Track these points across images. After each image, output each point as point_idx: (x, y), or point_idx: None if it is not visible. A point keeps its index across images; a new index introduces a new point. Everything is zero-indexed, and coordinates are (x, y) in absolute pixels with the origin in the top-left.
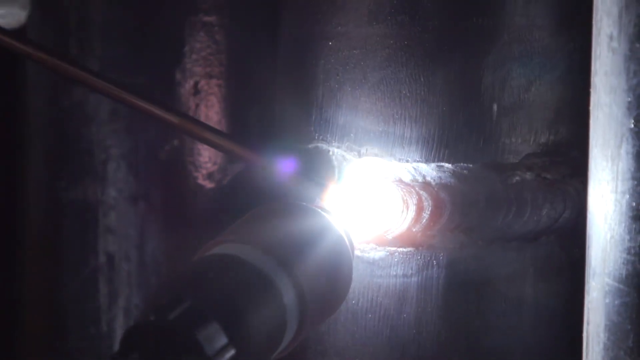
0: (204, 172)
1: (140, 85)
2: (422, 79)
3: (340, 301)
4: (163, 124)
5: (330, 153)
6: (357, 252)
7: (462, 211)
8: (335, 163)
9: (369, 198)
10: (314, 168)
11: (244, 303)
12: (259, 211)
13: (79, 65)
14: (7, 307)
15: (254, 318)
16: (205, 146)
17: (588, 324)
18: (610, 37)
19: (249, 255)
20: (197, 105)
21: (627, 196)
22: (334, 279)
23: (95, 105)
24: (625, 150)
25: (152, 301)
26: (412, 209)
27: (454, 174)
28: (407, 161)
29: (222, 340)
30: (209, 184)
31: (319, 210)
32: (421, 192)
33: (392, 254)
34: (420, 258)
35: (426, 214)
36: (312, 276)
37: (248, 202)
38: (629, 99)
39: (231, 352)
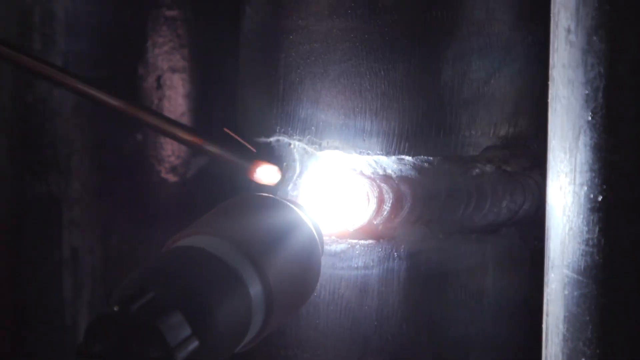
0: (167, 165)
1: (104, 78)
2: (382, 73)
3: (308, 296)
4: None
5: (292, 146)
6: None
7: (423, 203)
8: (297, 156)
9: (330, 191)
10: (279, 162)
11: (208, 295)
12: (228, 204)
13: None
14: None
15: (219, 310)
16: (169, 140)
17: (547, 315)
18: (568, 30)
19: (215, 247)
20: (160, 100)
21: (585, 188)
22: (302, 273)
23: (59, 100)
24: (583, 142)
25: (117, 292)
26: (373, 201)
27: (414, 166)
28: (368, 154)
29: (186, 331)
30: (172, 178)
31: (289, 203)
32: (382, 184)
33: (353, 246)
34: (382, 250)
35: (387, 207)
36: (279, 270)
37: (212, 195)
38: (587, 92)
39: (194, 344)
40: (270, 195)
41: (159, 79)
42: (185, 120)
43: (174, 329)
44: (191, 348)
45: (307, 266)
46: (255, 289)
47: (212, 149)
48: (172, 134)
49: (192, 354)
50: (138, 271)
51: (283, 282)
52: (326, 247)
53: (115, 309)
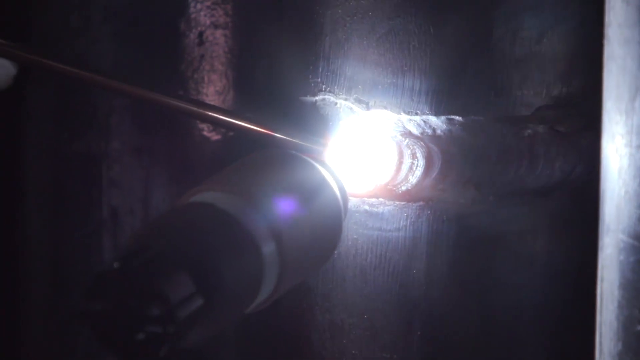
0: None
1: (145, 34)
2: (431, 30)
3: (326, 257)
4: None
5: (338, 105)
6: (365, 207)
7: (473, 165)
8: (343, 116)
9: (377, 151)
10: (314, 122)
11: (215, 252)
12: (247, 159)
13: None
14: (10, 259)
15: (227, 269)
16: (210, 97)
17: (602, 281)
18: None
19: (227, 204)
20: (202, 56)
21: None
22: (319, 235)
23: (98, 55)
24: None
25: (122, 249)
26: (422, 162)
27: (464, 127)
28: (417, 114)
29: (190, 289)
30: (215, 136)
31: (312, 161)
32: (431, 145)
33: (401, 208)
34: (431, 213)
35: (436, 168)
36: (295, 230)
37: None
38: None
39: (198, 302)
40: (293, 152)
41: (200, 34)
42: (227, 77)
43: (177, 287)
44: (195, 307)
45: (325, 228)
46: (267, 248)
47: (283, 136)
48: (235, 126)
49: (196, 313)
50: (143, 227)
51: (298, 242)
52: (374, 209)
53: (116, 265)
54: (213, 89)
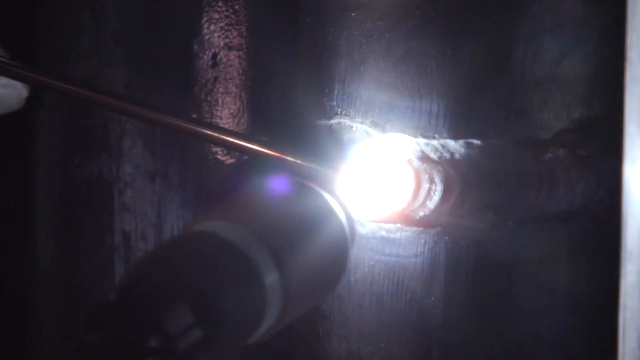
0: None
1: (157, 56)
2: (449, 52)
3: (331, 288)
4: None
5: (354, 129)
6: (382, 233)
7: (492, 190)
8: (359, 139)
9: (394, 176)
10: (330, 146)
11: (216, 282)
12: (251, 188)
13: (99, 90)
14: (19, 287)
15: (228, 299)
16: (224, 120)
17: (624, 309)
18: None
19: (228, 232)
20: (215, 78)
21: None
22: (324, 262)
23: (110, 78)
24: None
25: (121, 279)
26: (440, 187)
27: (483, 150)
28: (434, 138)
29: (189, 320)
30: (229, 160)
31: (318, 189)
32: (449, 170)
33: (419, 234)
34: (449, 239)
35: (454, 193)
36: (299, 259)
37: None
38: None
39: (198, 334)
40: (298, 179)
41: (214, 56)
42: (242, 99)
43: (176, 318)
44: (194, 338)
45: (330, 258)
46: (271, 278)
47: (297, 160)
48: (248, 150)
49: (196, 345)
50: (142, 257)
51: (302, 272)
52: (391, 235)
53: (113, 297)
54: (227, 111)
